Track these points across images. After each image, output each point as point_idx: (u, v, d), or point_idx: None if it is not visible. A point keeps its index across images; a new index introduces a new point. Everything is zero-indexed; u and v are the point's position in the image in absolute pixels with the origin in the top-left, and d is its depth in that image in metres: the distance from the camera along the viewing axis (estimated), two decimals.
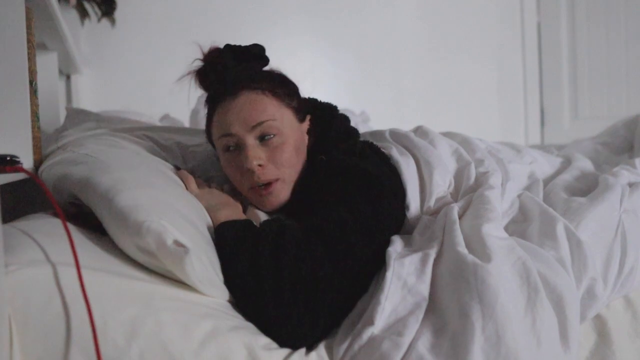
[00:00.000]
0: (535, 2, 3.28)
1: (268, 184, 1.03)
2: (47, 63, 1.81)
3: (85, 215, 0.90)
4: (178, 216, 0.83)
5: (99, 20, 2.39)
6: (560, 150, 1.72)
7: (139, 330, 0.70)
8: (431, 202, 1.07)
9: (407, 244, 0.96)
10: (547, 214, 1.01)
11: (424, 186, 1.08)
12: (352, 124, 1.19)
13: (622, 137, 1.70)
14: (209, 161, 1.19)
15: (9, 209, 1.11)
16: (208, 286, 0.79)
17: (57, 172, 0.96)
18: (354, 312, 0.87)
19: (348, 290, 0.87)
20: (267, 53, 1.13)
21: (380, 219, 0.96)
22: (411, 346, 0.78)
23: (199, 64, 1.09)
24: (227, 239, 0.88)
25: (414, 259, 0.88)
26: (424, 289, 0.85)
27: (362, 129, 1.23)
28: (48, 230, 0.79)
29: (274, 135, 1.04)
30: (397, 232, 1.01)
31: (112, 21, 2.43)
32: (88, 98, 2.52)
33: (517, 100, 3.31)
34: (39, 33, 1.54)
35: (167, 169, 1.07)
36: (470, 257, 0.84)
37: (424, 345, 0.78)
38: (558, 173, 1.34)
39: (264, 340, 0.78)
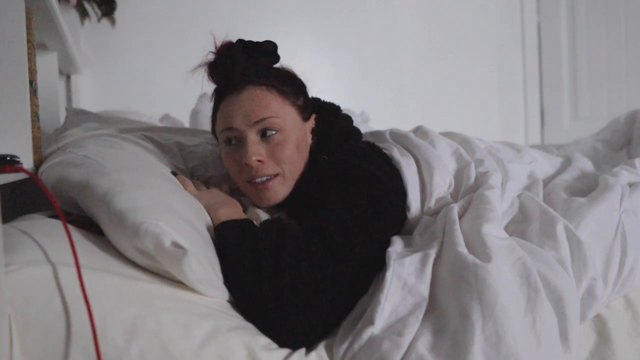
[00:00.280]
0: (535, 2, 3.28)
1: (266, 180, 1.03)
2: (47, 63, 1.81)
3: (83, 220, 0.90)
4: (176, 217, 0.83)
5: (99, 20, 2.39)
6: (559, 150, 1.72)
7: (139, 330, 0.70)
8: (431, 203, 1.07)
9: (407, 244, 0.96)
10: (547, 214, 1.01)
11: (424, 187, 1.08)
12: (354, 124, 1.19)
13: (621, 132, 1.71)
14: (209, 161, 1.19)
15: (9, 209, 1.11)
16: (207, 287, 0.79)
17: (56, 174, 0.96)
18: (354, 312, 0.87)
19: (348, 290, 0.87)
20: None
21: (381, 220, 0.96)
22: (411, 346, 0.78)
23: (211, 56, 1.09)
24: (227, 239, 0.88)
25: (414, 259, 0.88)
26: (424, 289, 0.85)
27: (362, 129, 1.23)
28: (48, 230, 0.79)
29: (276, 132, 1.03)
30: (397, 233, 1.01)
31: (112, 21, 2.43)
32: (88, 98, 2.52)
33: (517, 100, 3.31)
34: (39, 33, 1.54)
35: (166, 169, 1.07)
36: (471, 257, 0.84)
37: (423, 346, 0.78)
38: (558, 173, 1.34)
39: (264, 340, 0.78)
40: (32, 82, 1.06)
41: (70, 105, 2.31)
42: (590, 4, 3.17)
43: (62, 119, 1.72)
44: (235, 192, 1.10)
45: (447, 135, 1.29)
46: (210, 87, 1.12)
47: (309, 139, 1.11)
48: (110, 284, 0.73)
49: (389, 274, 0.85)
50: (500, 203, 1.05)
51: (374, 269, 0.91)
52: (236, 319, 0.80)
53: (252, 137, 1.03)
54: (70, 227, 0.77)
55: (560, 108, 3.27)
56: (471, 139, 1.27)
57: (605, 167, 1.44)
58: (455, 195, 1.11)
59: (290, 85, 1.08)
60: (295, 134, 1.06)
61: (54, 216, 0.90)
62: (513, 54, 3.29)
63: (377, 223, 0.94)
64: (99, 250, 0.80)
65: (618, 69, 3.11)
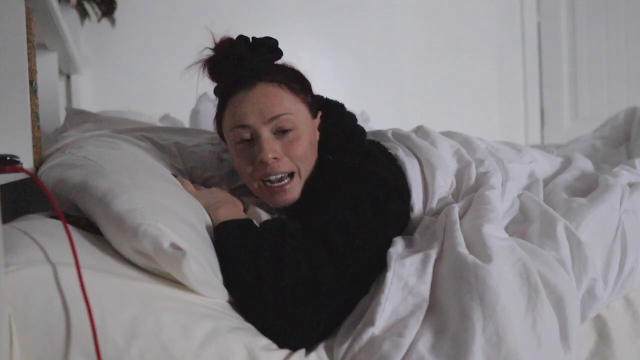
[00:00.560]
0: (535, 2, 3.28)
1: (284, 183, 1.01)
2: (47, 63, 1.81)
3: (82, 221, 0.90)
4: (175, 218, 0.83)
5: (99, 20, 2.39)
6: (559, 149, 1.72)
7: (138, 330, 0.70)
8: (433, 203, 1.07)
9: (408, 244, 0.96)
10: (548, 215, 1.01)
11: (426, 187, 1.08)
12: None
13: (621, 129, 1.71)
14: (208, 161, 1.19)
15: (9, 209, 1.11)
16: (206, 288, 0.79)
17: (55, 176, 0.95)
18: (354, 312, 0.87)
19: (349, 291, 0.87)
20: None
21: (385, 222, 0.95)
22: (412, 347, 0.78)
23: (209, 53, 1.07)
24: (226, 239, 0.88)
25: (414, 259, 0.88)
26: (425, 289, 0.85)
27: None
28: (48, 230, 0.79)
29: (290, 129, 1.01)
30: (400, 234, 1.01)
31: (112, 21, 2.43)
32: (88, 98, 2.52)
33: (517, 100, 3.31)
34: (39, 33, 1.54)
35: (165, 170, 1.06)
36: (471, 258, 0.84)
37: (424, 346, 0.78)
38: (558, 173, 1.34)
39: (264, 341, 0.78)
40: (32, 82, 1.06)
41: (70, 106, 2.31)
42: (590, 4, 3.17)
43: (62, 119, 1.72)
44: (235, 192, 1.10)
45: (448, 134, 1.29)
46: (206, 85, 1.09)
47: (317, 136, 1.09)
48: (110, 284, 0.73)
49: (390, 275, 0.85)
50: (501, 203, 1.05)
51: (375, 270, 0.91)
52: (236, 319, 0.80)
53: (267, 134, 1.01)
54: (70, 228, 0.77)
55: (560, 108, 3.27)
56: (472, 139, 1.27)
57: (605, 166, 1.44)
58: (457, 195, 1.11)
59: (299, 83, 1.06)
60: (307, 131, 1.04)
61: (54, 216, 0.89)
62: (513, 54, 3.29)
63: (380, 225, 0.94)
64: (99, 250, 0.79)
65: (618, 69, 3.11)
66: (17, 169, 0.77)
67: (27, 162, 1.00)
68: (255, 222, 0.95)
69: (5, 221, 0.81)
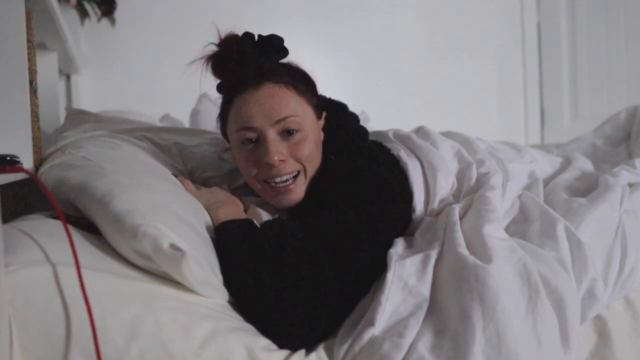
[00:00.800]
0: (535, 2, 3.28)
1: (289, 183, 1.01)
2: (47, 63, 1.81)
3: (82, 221, 0.90)
4: (175, 218, 0.83)
5: (99, 20, 2.39)
6: (559, 149, 1.72)
7: (139, 330, 0.70)
8: (435, 204, 1.07)
9: (408, 245, 0.96)
10: (548, 215, 1.01)
11: (428, 188, 1.08)
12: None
13: (621, 128, 1.71)
14: (208, 161, 1.19)
15: (9, 209, 1.11)
16: (206, 288, 0.79)
17: (54, 176, 0.95)
18: (354, 313, 0.87)
19: (349, 292, 0.87)
20: None
21: (387, 223, 0.95)
22: (412, 347, 0.78)
23: (213, 48, 1.05)
24: (227, 240, 0.88)
25: (415, 260, 0.88)
26: (425, 290, 0.85)
27: None
28: (48, 230, 0.79)
29: (296, 131, 1.00)
30: (402, 235, 1.01)
31: (112, 21, 2.43)
32: (88, 98, 2.52)
33: (517, 100, 3.31)
34: (39, 33, 1.54)
35: (165, 170, 1.06)
36: (471, 258, 0.84)
37: (424, 346, 0.78)
38: (558, 173, 1.34)
39: (264, 341, 0.78)
40: (32, 82, 1.06)
41: (70, 106, 2.30)
42: (590, 4, 3.17)
43: (62, 119, 1.72)
44: (235, 192, 1.10)
45: (448, 135, 1.29)
46: (207, 85, 1.07)
47: (322, 137, 1.09)
48: (110, 284, 0.73)
49: (390, 275, 0.85)
50: (501, 203, 1.05)
51: (376, 271, 0.91)
52: (236, 319, 0.80)
53: (273, 136, 0.99)
54: (70, 228, 0.77)
55: (560, 108, 3.27)
56: (472, 139, 1.27)
57: (605, 166, 1.44)
58: (457, 196, 1.11)
59: (305, 83, 1.05)
60: (313, 132, 1.04)
61: (54, 217, 0.89)
62: (513, 54, 3.29)
63: (382, 226, 0.94)
64: (99, 250, 0.79)
65: (618, 69, 3.10)
66: (17, 169, 0.77)
67: (27, 162, 0.99)
68: (255, 222, 0.95)
69: (5, 221, 0.82)
